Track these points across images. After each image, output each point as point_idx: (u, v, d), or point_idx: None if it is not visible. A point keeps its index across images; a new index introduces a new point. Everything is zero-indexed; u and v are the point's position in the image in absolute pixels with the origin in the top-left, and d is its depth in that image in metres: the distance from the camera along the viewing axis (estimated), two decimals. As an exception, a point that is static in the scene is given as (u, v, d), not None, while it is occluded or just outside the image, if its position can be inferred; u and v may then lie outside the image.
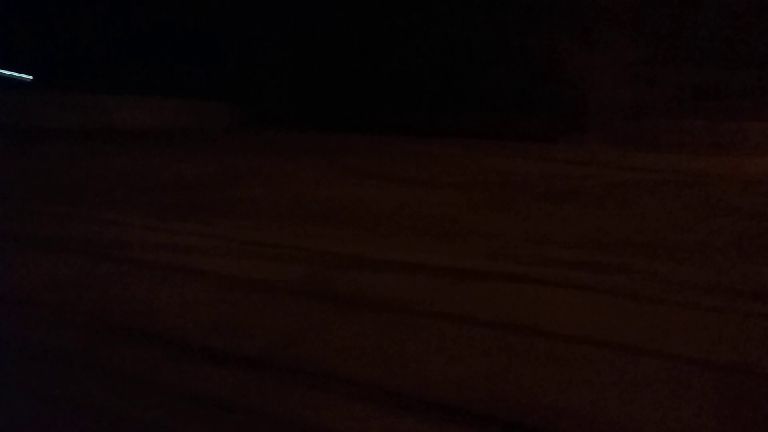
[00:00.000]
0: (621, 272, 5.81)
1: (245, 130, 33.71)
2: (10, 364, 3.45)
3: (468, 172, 15.35)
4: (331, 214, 8.84)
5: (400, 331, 4.04)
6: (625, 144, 23.90)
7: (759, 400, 3.21)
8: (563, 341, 3.89)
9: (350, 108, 35.67)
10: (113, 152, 19.13)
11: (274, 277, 5.26)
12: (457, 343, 3.86)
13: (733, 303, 4.88)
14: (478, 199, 10.85)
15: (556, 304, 4.74)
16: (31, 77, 43.44)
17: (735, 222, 9.07)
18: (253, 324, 4.10)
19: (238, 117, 40.62)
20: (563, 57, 27.25)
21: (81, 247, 6.27)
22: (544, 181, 13.71)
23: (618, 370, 3.47)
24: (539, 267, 5.89)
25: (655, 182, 13.76)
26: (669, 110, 25.45)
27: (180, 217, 8.11)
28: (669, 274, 5.76)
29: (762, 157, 19.95)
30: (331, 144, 24.80)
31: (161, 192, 10.35)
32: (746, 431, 2.98)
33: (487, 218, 8.93)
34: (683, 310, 4.70)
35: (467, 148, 23.21)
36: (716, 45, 24.65)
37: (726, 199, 11.44)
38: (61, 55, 42.78)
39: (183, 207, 8.89)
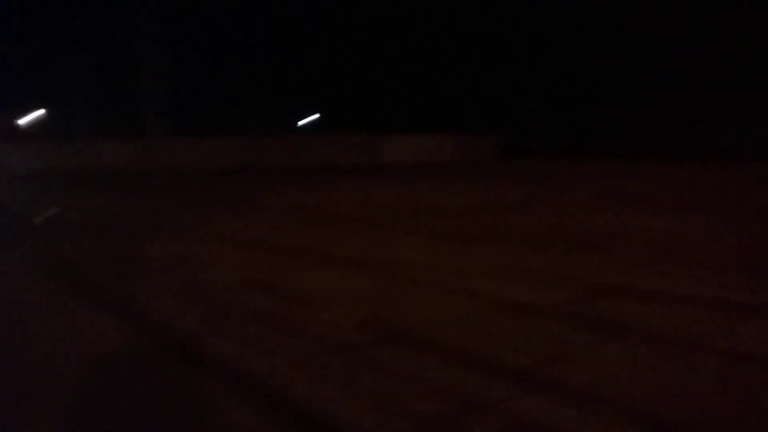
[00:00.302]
0: None
1: (513, 160, 34.45)
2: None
3: (736, 198, 13.70)
4: (597, 241, 8.74)
5: (673, 363, 3.87)
6: None
7: None
8: None
9: (610, 135, 34.89)
10: (386, 185, 21.40)
11: (541, 301, 5.41)
12: (736, 381, 3.56)
13: None
14: (754, 228, 9.65)
15: None
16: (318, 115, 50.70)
17: None
18: (520, 341, 4.32)
19: (506, 148, 42.42)
20: None
21: (366, 263, 7.23)
22: None
23: None
24: None
25: None
26: None
27: (456, 240, 8.82)
28: None
29: None
30: (595, 171, 24.14)
31: (437, 219, 11.40)
32: None
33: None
34: None
35: (735, 171, 20.55)
36: None
37: None
38: (347, 99, 49.09)
39: (457, 233, 9.65)
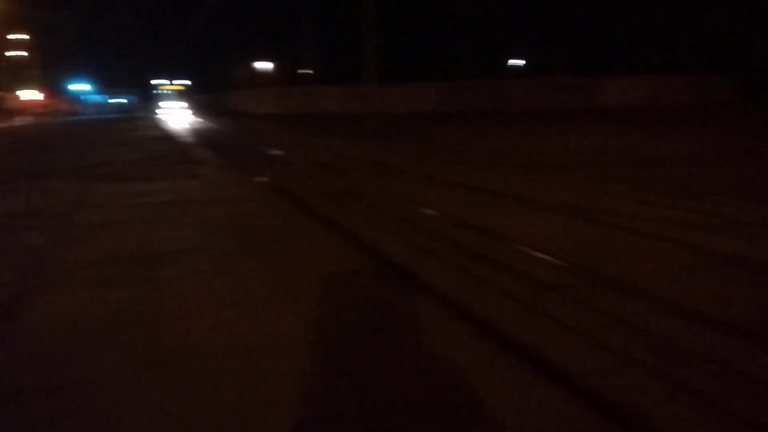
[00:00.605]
0: None
1: (751, 105, 30.17)
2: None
3: None
4: None
5: None
6: None
7: None
8: None
9: None
10: (604, 129, 20.20)
11: (750, 253, 4.97)
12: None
13: None
14: None
15: None
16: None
17: None
18: (733, 294, 4.06)
19: (743, 92, 37.10)
20: None
21: (576, 211, 7.07)
22: None
23: None
24: None
25: None
26: None
27: (670, 192, 8.18)
28: None
29: None
30: None
31: (654, 167, 10.64)
32: None
33: None
34: None
35: None
36: None
37: None
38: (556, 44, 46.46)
39: (675, 183, 8.93)
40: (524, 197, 8.13)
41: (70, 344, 3.50)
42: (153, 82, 75.04)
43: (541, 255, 5.20)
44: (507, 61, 51.56)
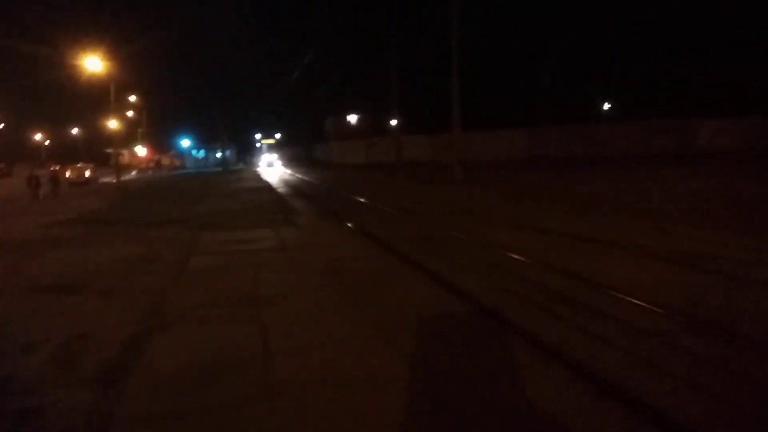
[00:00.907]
0: None
1: None
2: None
3: None
4: None
5: None
6: None
7: None
8: None
9: None
10: (703, 172, 19.39)
11: None
12: None
13: None
14: None
15: None
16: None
17: None
18: None
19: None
20: None
21: (674, 256, 6.89)
22: None
23: None
24: None
25: None
26: None
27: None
28: None
29: None
30: None
31: (753, 212, 10.17)
32: None
33: None
34: None
35: None
36: None
37: None
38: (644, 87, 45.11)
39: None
40: (619, 243, 7.99)
41: (190, 376, 3.84)
42: (247, 137, 79.51)
43: (637, 301, 5.13)
44: (596, 104, 50.58)
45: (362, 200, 16.36)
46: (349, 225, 11.12)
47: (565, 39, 47.26)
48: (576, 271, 6.31)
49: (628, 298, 5.20)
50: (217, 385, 3.66)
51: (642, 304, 5.02)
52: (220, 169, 51.23)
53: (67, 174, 33.83)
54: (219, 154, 60.75)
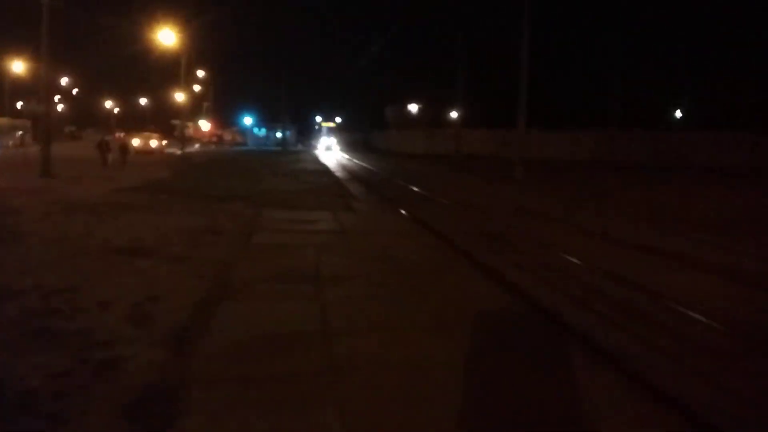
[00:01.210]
0: None
1: None
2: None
3: None
4: None
5: None
6: None
7: None
8: None
9: None
10: None
11: None
12: None
13: None
14: None
15: None
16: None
17: None
18: None
19: None
20: None
21: (740, 275, 6.70)
22: None
23: None
24: None
25: None
26: None
27: None
28: None
29: None
30: None
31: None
32: None
33: None
34: None
35: None
36: None
37: None
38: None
39: None
40: (687, 255, 7.79)
41: (256, 344, 4.02)
42: (307, 118, 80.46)
43: (694, 315, 5.03)
44: (668, 111, 48.80)
45: (420, 191, 16.42)
46: (407, 214, 11.21)
47: (639, 40, 45.67)
48: (635, 281, 6.22)
49: (684, 310, 5.12)
50: (282, 356, 3.83)
51: (699, 317, 4.93)
52: (279, 148, 52.18)
53: (134, 142, 35.10)
54: (279, 134, 61.76)
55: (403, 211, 11.62)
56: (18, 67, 47.40)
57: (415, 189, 16.87)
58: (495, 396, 3.39)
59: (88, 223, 8.94)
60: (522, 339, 4.40)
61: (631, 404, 3.34)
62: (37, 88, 21.12)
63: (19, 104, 52.59)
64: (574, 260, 7.17)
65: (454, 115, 46.63)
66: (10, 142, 36.78)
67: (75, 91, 71.71)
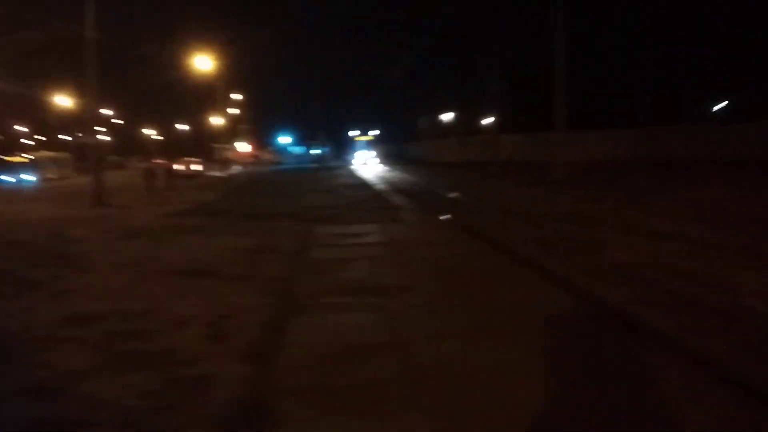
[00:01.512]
0: None
1: None
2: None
3: None
4: None
5: None
6: None
7: None
8: None
9: None
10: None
11: None
12: None
13: None
14: None
15: None
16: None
17: None
18: None
19: None
20: None
21: None
22: None
23: None
24: None
25: None
26: None
27: None
28: None
29: None
30: None
31: None
32: None
33: None
34: None
35: None
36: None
37: None
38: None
39: None
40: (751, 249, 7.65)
41: (333, 355, 4.14)
42: (343, 133, 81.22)
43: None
44: (706, 104, 47.49)
45: (461, 199, 16.45)
46: (453, 223, 11.25)
47: (675, 34, 44.75)
48: (705, 277, 6.15)
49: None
50: (360, 365, 3.94)
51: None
52: (316, 165, 52.80)
53: (176, 167, 36.02)
54: (315, 151, 62.53)
55: (448, 220, 11.66)
56: (62, 100, 49.05)
57: (455, 197, 16.92)
58: (580, 399, 3.42)
59: (148, 248, 9.28)
60: (596, 341, 4.41)
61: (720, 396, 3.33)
62: (82, 120, 21.98)
63: (59, 136, 54.49)
64: (635, 259, 7.13)
65: (486, 121, 46.55)
66: (50, 175, 37.88)
67: (118, 121, 74.04)
